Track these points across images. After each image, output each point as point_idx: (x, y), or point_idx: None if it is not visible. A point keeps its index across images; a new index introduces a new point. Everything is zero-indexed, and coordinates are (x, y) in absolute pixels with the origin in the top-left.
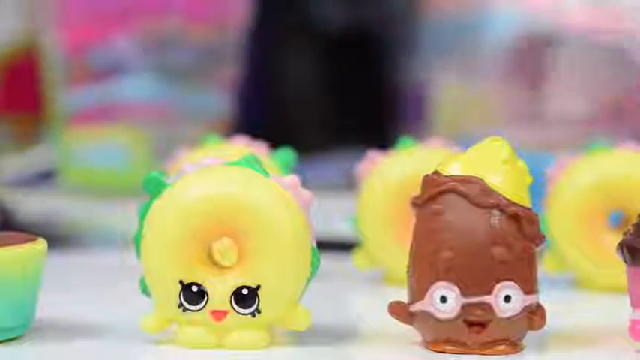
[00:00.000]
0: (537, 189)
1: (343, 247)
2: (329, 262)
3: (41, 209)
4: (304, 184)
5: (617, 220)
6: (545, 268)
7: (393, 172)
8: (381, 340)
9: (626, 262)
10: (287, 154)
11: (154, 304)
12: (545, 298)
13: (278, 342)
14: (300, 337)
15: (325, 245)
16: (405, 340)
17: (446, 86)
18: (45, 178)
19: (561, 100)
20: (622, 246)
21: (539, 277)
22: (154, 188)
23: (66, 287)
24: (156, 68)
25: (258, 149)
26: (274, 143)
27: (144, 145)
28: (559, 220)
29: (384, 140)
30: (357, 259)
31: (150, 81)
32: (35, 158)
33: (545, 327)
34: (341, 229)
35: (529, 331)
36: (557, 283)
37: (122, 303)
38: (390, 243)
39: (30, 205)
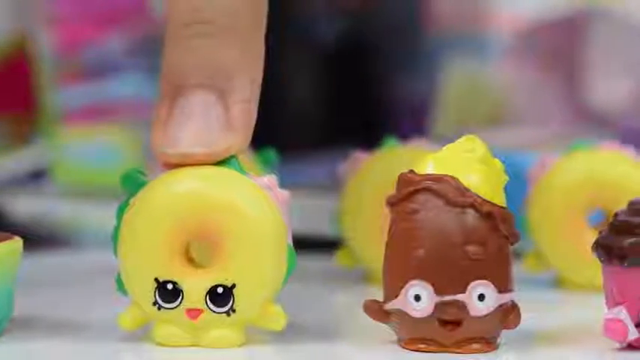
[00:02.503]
0: (519, 188)
1: (327, 246)
2: (313, 261)
3: (32, 208)
4: (296, 184)
5: (598, 219)
6: (526, 267)
7: (376, 172)
8: (359, 338)
9: (601, 261)
10: (269, 153)
11: (131, 302)
12: (527, 297)
13: (256, 341)
14: (279, 336)
15: (310, 244)
16: (382, 339)
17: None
18: (36, 177)
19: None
20: (597, 245)
21: (520, 276)
22: (131, 185)
23: (53, 286)
24: (147, 68)
25: None
26: (266, 143)
27: (135, 144)
28: (540, 220)
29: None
30: (340, 258)
31: (141, 80)
32: (26, 158)
33: (525, 326)
34: (325, 228)
35: (509, 330)
36: (539, 282)
37: (108, 301)
38: (372, 242)
39: (21, 204)
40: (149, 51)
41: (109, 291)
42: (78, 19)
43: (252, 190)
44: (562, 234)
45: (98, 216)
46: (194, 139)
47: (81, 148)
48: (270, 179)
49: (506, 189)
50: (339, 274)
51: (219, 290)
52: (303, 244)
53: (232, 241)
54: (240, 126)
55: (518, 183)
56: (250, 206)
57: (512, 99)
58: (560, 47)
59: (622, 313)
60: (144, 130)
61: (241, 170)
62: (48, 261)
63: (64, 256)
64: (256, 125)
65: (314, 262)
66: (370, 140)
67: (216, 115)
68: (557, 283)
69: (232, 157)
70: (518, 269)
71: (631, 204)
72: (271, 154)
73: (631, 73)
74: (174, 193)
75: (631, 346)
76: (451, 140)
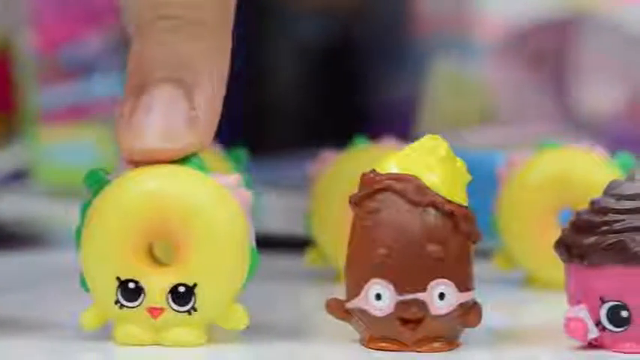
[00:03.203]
0: (489, 187)
1: (298, 245)
2: (283, 260)
3: (13, 209)
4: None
5: (567, 218)
6: (495, 266)
7: (344, 172)
8: (324, 337)
9: (562, 260)
10: (240, 152)
11: (93, 300)
12: (495, 296)
13: (220, 340)
14: (243, 335)
15: (282, 243)
16: (347, 338)
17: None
18: (17, 177)
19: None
20: (558, 244)
21: (490, 275)
22: (94, 184)
23: (28, 285)
24: (126, 67)
25: (212, 147)
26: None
27: (115, 143)
28: (509, 219)
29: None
30: (310, 257)
31: (120, 80)
32: (7, 158)
33: (492, 324)
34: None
35: (475, 329)
36: (508, 281)
37: (82, 300)
38: (341, 242)
39: (1, 204)
40: (129, 50)
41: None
42: (57, 19)
43: (214, 190)
44: (531, 233)
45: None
46: (158, 134)
47: (61, 147)
48: (233, 178)
49: (476, 188)
50: (309, 273)
51: (181, 289)
52: (277, 243)
53: (193, 241)
54: (205, 122)
55: (489, 182)
56: (211, 205)
57: (497, 99)
58: (547, 50)
59: (582, 311)
60: None
61: (204, 169)
62: (27, 260)
63: (44, 255)
64: (240, 123)
65: (287, 262)
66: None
67: (180, 111)
68: (527, 282)
69: (195, 155)
70: (488, 268)
71: (592, 203)
72: (242, 153)
73: (619, 80)
74: (135, 192)
75: (592, 345)
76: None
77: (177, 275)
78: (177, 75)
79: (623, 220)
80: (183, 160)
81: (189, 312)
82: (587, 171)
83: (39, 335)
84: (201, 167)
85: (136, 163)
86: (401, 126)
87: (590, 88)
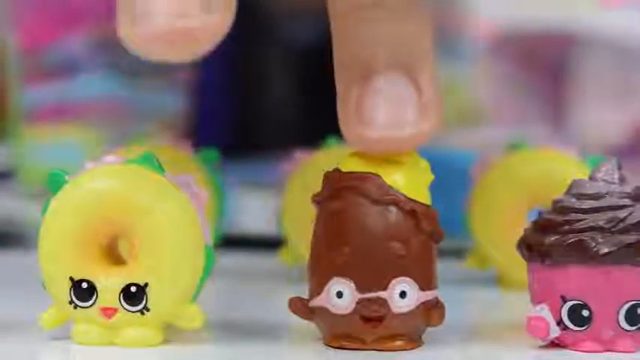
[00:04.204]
0: (463, 187)
1: (270, 244)
2: (262, 259)
3: None
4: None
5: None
6: (467, 265)
7: (315, 171)
8: (287, 336)
9: (524, 259)
10: (211, 153)
11: (52, 301)
12: (467, 295)
13: (177, 339)
14: (210, 334)
15: (254, 243)
16: (312, 337)
17: None
18: (2, 178)
19: None
20: (520, 243)
21: (462, 274)
22: (54, 185)
23: (15, 286)
24: (110, 67)
25: (183, 148)
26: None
27: (99, 143)
28: (480, 218)
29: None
30: (282, 256)
31: (104, 80)
32: None
33: (460, 323)
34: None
35: (443, 328)
36: (480, 280)
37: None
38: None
39: None
40: (114, 51)
41: None
42: (41, 19)
43: (165, 189)
44: (503, 232)
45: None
46: (389, 122)
47: (46, 148)
48: (188, 178)
49: (450, 188)
50: (284, 272)
51: (133, 289)
52: (249, 242)
53: (144, 240)
54: (434, 107)
55: (463, 182)
56: (161, 205)
57: (485, 100)
58: (538, 54)
59: (544, 310)
60: (107, 129)
61: (159, 168)
62: (11, 260)
63: (29, 255)
64: (232, 126)
65: (265, 261)
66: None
67: (409, 97)
68: (499, 281)
69: (150, 154)
70: (460, 267)
71: (555, 202)
72: (212, 153)
73: (618, 102)
74: (88, 193)
75: (553, 344)
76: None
77: (129, 275)
78: (400, 60)
79: (585, 219)
80: (138, 161)
81: (141, 312)
82: (558, 171)
83: (20, 334)
84: (156, 166)
85: (369, 149)
86: None
87: (586, 108)
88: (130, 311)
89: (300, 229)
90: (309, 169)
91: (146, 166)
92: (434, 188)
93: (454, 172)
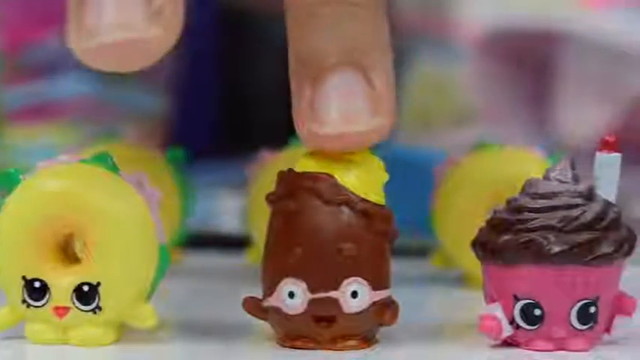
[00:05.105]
0: (427, 186)
1: (236, 244)
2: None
3: None
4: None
5: None
6: (433, 265)
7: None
8: (245, 336)
9: (478, 258)
10: (177, 152)
11: (6, 300)
12: (431, 295)
13: (130, 339)
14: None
15: (219, 242)
16: (266, 336)
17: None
18: None
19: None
20: (474, 242)
21: (427, 274)
22: (7, 185)
23: None
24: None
25: (150, 147)
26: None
27: (78, 143)
28: (444, 218)
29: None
30: (249, 256)
31: (83, 80)
32: None
33: (420, 323)
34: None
35: (400, 327)
36: (445, 280)
37: None
38: None
39: None
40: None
41: None
42: (22, 19)
43: (119, 188)
44: (466, 232)
45: None
46: (342, 119)
47: (25, 147)
48: (140, 176)
49: (416, 187)
50: (247, 271)
51: (85, 288)
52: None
53: (96, 239)
54: (387, 103)
55: (428, 181)
56: (114, 204)
57: (473, 100)
58: (525, 54)
59: (497, 310)
60: (87, 129)
61: (113, 168)
62: None
63: None
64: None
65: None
66: None
67: (361, 94)
68: (463, 280)
69: (104, 154)
70: (425, 267)
71: (509, 202)
72: (179, 152)
73: (602, 102)
74: (40, 192)
75: (506, 343)
76: (414, 139)
77: (81, 274)
78: (352, 58)
79: (538, 218)
80: (92, 160)
81: (94, 311)
82: (522, 170)
83: None
84: (110, 166)
85: (321, 147)
86: None
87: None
88: (82, 310)
89: (265, 228)
90: (274, 168)
91: (99, 165)
92: (399, 188)
93: (420, 171)
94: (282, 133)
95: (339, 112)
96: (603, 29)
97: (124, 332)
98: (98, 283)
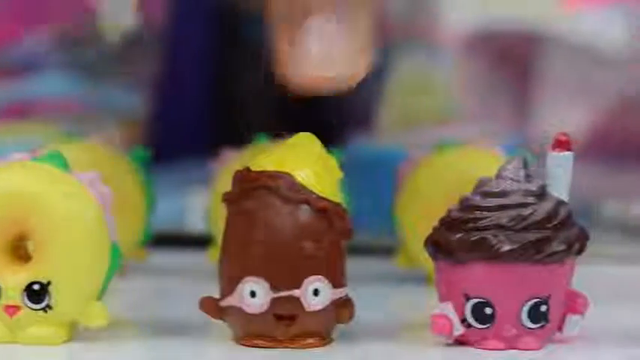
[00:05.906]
0: (390, 185)
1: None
2: (185, 257)
3: None
4: None
5: None
6: (397, 264)
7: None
8: (204, 335)
9: (431, 257)
10: (140, 151)
11: None
12: (394, 294)
13: (81, 338)
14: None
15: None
16: (223, 336)
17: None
18: None
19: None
20: (427, 241)
21: (392, 273)
22: None
23: None
24: (70, 66)
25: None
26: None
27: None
28: (407, 217)
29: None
30: (211, 255)
31: (64, 78)
32: None
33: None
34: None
35: (356, 326)
36: (409, 279)
37: None
38: None
39: None
40: (73, 49)
41: None
42: (2, 18)
43: (70, 187)
44: (429, 231)
45: None
46: (318, 63)
47: (4, 146)
48: (92, 175)
49: (380, 186)
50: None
51: (35, 287)
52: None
53: (47, 238)
54: (362, 53)
55: (392, 179)
56: (65, 203)
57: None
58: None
59: (448, 308)
60: (67, 128)
61: (64, 165)
62: None
63: None
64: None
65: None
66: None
67: (339, 41)
68: (428, 280)
69: (57, 152)
70: (390, 266)
71: (461, 200)
72: (142, 152)
73: (582, 102)
74: None
75: (457, 342)
76: (397, 138)
77: (32, 273)
78: (333, 7)
79: (489, 217)
80: (44, 158)
81: (44, 310)
82: (485, 169)
83: None
84: (62, 164)
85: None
86: (364, 123)
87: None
88: (33, 309)
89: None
90: (236, 167)
91: (51, 164)
92: (364, 186)
93: (384, 170)
94: (264, 132)
95: (319, 56)
96: (582, 30)
97: (83, 331)
98: (48, 282)
